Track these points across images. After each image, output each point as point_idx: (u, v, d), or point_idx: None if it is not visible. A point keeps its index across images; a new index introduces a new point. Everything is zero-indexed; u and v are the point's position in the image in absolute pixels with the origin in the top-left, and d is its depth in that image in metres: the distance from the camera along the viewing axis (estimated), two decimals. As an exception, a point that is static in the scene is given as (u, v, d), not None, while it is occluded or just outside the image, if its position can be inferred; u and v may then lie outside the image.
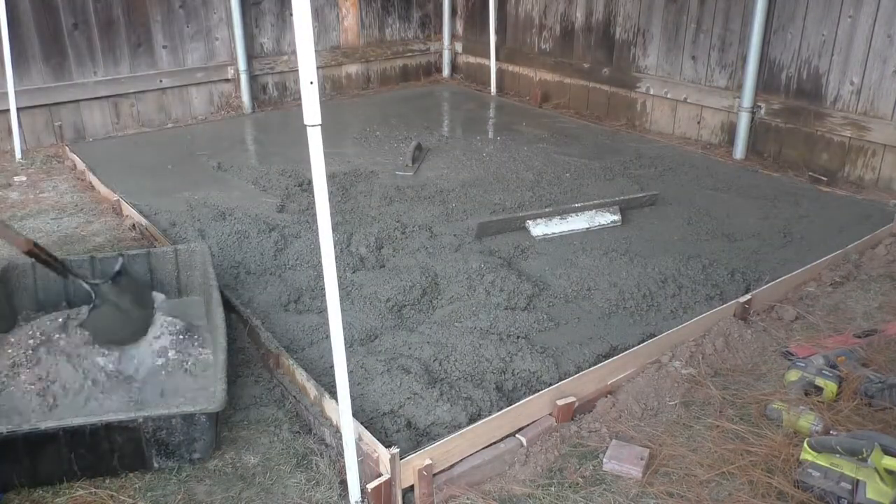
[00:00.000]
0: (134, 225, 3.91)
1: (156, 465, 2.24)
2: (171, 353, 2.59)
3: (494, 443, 2.32)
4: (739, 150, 4.96)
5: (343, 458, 2.13)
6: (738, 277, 3.30)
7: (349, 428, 2.05)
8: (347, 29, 6.63)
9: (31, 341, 2.51)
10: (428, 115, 6.00)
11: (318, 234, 1.91)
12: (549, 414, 2.45)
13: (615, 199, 3.99)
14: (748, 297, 3.06)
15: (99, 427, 2.14)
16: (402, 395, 2.47)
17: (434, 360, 2.67)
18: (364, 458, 2.15)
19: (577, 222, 3.77)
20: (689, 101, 5.31)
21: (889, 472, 2.09)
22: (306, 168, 3.92)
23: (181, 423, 2.18)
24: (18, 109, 4.97)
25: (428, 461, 2.14)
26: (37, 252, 2.54)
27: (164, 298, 2.87)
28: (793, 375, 2.62)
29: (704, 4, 5.06)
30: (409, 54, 7.07)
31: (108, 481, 2.22)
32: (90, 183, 4.57)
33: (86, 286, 2.68)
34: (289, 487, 2.22)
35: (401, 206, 4.10)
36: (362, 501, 2.12)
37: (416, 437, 2.34)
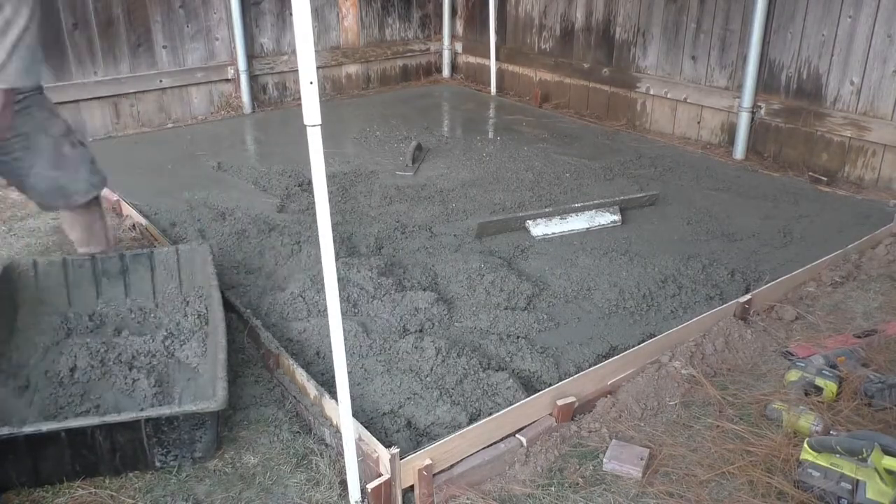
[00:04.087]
0: (134, 225, 3.91)
1: (158, 464, 2.25)
2: None
3: (494, 443, 2.32)
4: (739, 150, 4.96)
5: (343, 458, 2.13)
6: (738, 277, 3.30)
7: (349, 428, 2.05)
8: (347, 29, 6.63)
9: None
10: (428, 115, 6.00)
11: (318, 235, 1.91)
12: (549, 414, 2.45)
13: (615, 199, 3.99)
14: (748, 297, 3.06)
15: (100, 427, 2.14)
16: (402, 395, 2.47)
17: (434, 360, 2.67)
18: (364, 458, 2.15)
19: (577, 222, 3.78)
20: (689, 101, 5.31)
21: (889, 472, 2.09)
22: (306, 168, 3.92)
23: (183, 422, 2.18)
24: (18, 109, 4.97)
25: (428, 461, 2.14)
26: None
27: None
28: (793, 375, 2.62)
29: (704, 4, 5.06)
30: (409, 54, 7.07)
31: (108, 481, 2.22)
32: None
33: None
34: (289, 487, 2.22)
35: (401, 206, 4.10)
36: (362, 501, 2.12)
37: (416, 437, 2.34)
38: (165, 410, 2.18)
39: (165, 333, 2.81)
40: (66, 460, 2.17)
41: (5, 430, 2.07)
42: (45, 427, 2.10)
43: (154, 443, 2.20)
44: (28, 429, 2.09)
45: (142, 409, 2.40)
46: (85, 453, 2.17)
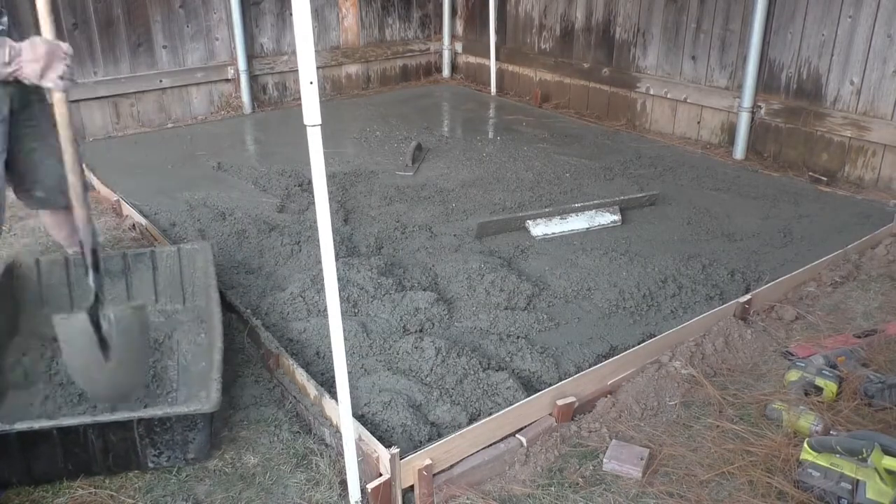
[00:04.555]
0: (134, 225, 3.91)
1: (151, 464, 2.25)
2: None
3: (494, 443, 2.32)
4: (739, 150, 4.96)
5: (343, 458, 2.13)
6: (738, 277, 3.30)
7: (349, 428, 2.05)
8: (347, 29, 6.63)
9: None
10: (428, 115, 6.00)
11: (317, 234, 1.91)
12: (549, 414, 2.45)
13: (615, 199, 3.99)
14: (748, 297, 3.06)
15: (93, 426, 2.14)
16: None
17: (434, 360, 2.67)
18: (364, 458, 2.15)
19: (577, 222, 3.78)
20: (689, 101, 5.31)
21: (889, 472, 2.09)
22: (306, 168, 3.92)
23: (175, 423, 2.19)
24: (18, 109, 4.97)
25: (428, 461, 2.14)
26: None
27: None
28: (793, 375, 2.62)
29: (704, 4, 5.06)
30: (409, 54, 7.07)
31: (107, 481, 2.22)
32: (90, 183, 4.57)
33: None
34: (289, 487, 2.22)
35: (401, 206, 4.10)
36: (362, 501, 2.12)
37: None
38: (157, 411, 2.18)
39: (165, 333, 2.81)
40: (59, 459, 2.17)
41: None
42: (38, 424, 2.11)
43: (147, 443, 2.20)
44: (20, 426, 2.10)
45: (145, 407, 2.40)
46: (77, 452, 2.17)
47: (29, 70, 2.30)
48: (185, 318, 2.95)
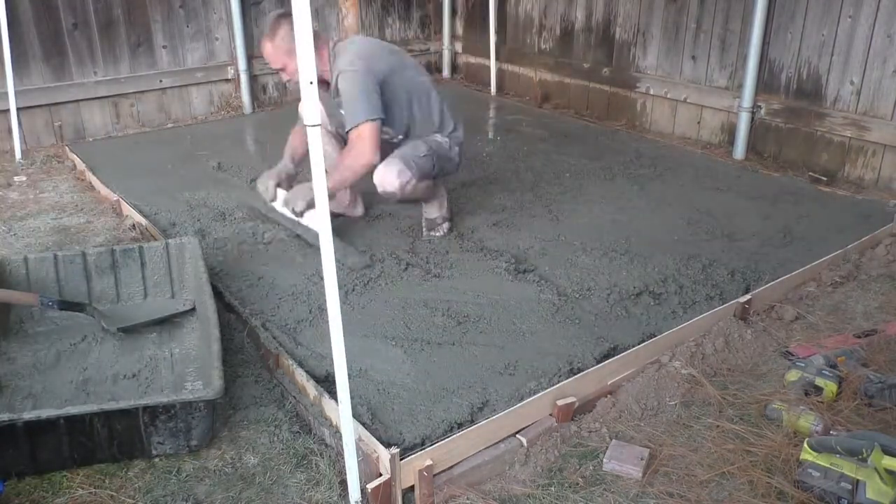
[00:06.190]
0: (134, 225, 3.91)
1: (154, 451, 2.27)
2: None
3: (495, 443, 2.32)
4: (739, 150, 4.96)
5: (343, 458, 2.13)
6: (738, 277, 3.29)
7: (349, 428, 2.05)
8: (347, 29, 6.61)
9: None
10: (428, 115, 5.98)
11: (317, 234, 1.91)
12: (550, 414, 2.45)
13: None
14: (748, 297, 3.06)
15: (99, 415, 2.17)
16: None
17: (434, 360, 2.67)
18: (364, 458, 2.15)
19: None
20: (689, 101, 5.31)
21: (889, 472, 2.09)
22: (306, 168, 3.91)
23: (179, 410, 2.22)
24: (18, 109, 4.98)
25: (428, 461, 2.14)
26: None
27: None
28: (793, 375, 2.62)
29: (704, 4, 5.06)
30: (409, 54, 7.05)
31: (107, 481, 2.22)
32: (90, 183, 4.57)
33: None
34: (289, 487, 2.22)
35: (400, 205, 4.09)
36: (362, 501, 2.12)
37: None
38: (163, 399, 2.21)
39: (158, 326, 2.86)
40: (65, 448, 2.19)
41: (5, 417, 2.10)
42: (45, 414, 2.13)
43: (151, 431, 2.22)
44: (28, 415, 2.12)
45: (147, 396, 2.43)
46: (83, 441, 2.19)
47: None
48: (176, 310, 2.99)
